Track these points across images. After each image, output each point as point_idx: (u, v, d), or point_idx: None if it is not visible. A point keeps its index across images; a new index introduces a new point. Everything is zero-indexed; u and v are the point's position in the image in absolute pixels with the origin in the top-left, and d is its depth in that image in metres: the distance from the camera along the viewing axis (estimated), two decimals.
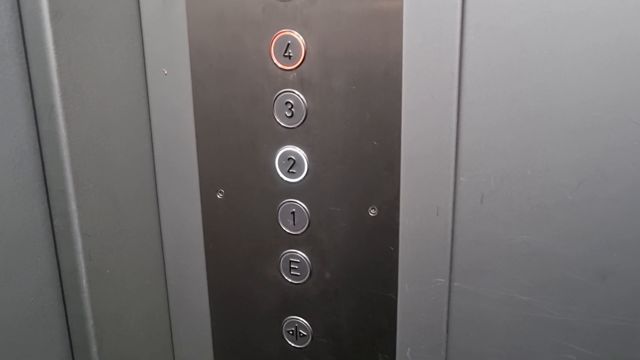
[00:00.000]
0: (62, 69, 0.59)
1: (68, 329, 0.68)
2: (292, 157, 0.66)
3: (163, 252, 0.77)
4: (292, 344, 0.74)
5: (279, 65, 0.63)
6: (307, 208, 0.68)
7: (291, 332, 0.74)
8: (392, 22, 0.58)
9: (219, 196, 0.71)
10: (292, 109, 0.64)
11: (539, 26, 0.54)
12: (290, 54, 0.63)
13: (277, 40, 0.63)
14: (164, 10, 0.67)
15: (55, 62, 0.59)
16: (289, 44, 0.62)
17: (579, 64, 0.54)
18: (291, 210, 0.68)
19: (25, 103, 0.60)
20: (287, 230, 0.69)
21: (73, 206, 0.63)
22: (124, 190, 0.69)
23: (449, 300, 0.65)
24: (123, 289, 0.71)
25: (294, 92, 0.64)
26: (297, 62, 0.63)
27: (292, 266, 0.71)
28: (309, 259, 0.70)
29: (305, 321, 0.73)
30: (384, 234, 0.65)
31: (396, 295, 0.67)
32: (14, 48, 0.58)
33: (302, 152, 0.66)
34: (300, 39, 0.62)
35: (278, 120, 0.65)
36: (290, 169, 0.67)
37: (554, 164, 0.57)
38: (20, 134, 0.60)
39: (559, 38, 0.54)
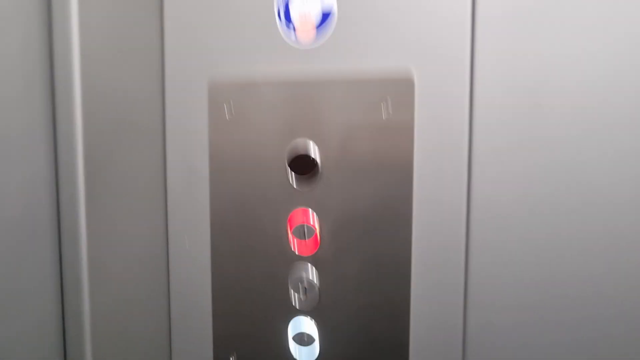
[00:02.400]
0: (91, 240, 0.62)
1: None
2: (305, 338, 0.68)
3: None
4: None
5: (295, 248, 0.67)
6: None
7: None
8: (403, 211, 0.63)
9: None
10: (307, 291, 0.67)
11: (542, 163, 0.59)
12: (306, 235, 0.66)
13: (294, 223, 0.67)
14: (189, 188, 0.71)
15: (85, 239, 0.62)
16: (305, 228, 0.66)
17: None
18: None
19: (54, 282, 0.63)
20: None
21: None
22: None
23: None
24: None
25: (309, 272, 0.67)
26: (313, 245, 0.66)
27: None
28: None
29: None
30: None
31: None
32: (48, 228, 0.62)
33: (315, 331, 0.68)
34: (316, 222, 0.66)
35: (292, 300, 0.68)
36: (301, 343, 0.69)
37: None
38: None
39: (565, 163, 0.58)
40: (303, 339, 0.69)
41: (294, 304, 0.68)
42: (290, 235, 0.67)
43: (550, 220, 0.59)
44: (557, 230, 0.59)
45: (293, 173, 0.66)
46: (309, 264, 0.67)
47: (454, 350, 0.63)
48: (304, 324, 0.68)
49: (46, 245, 0.62)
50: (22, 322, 0.62)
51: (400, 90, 0.62)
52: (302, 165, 0.65)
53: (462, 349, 0.63)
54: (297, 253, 0.67)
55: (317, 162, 0.65)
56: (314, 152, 0.65)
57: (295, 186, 0.66)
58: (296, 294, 0.68)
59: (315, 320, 0.68)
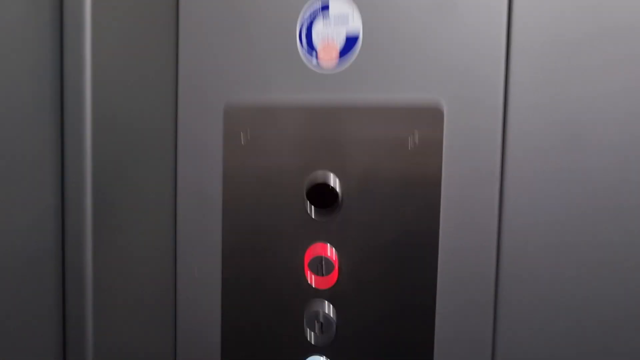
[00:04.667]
0: (98, 278, 0.59)
1: None
2: None
3: None
4: None
5: (312, 282, 0.64)
6: None
7: None
8: (429, 242, 0.59)
9: None
10: (322, 327, 0.64)
11: (576, 168, 0.56)
12: (324, 271, 0.63)
13: (310, 257, 0.63)
14: (202, 216, 0.68)
15: (91, 269, 0.59)
16: (323, 262, 0.63)
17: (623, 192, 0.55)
18: None
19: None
20: None
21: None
22: None
23: None
24: None
25: (325, 309, 0.64)
26: (330, 280, 0.63)
27: None
28: None
29: None
30: None
31: None
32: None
33: None
34: (334, 256, 0.63)
35: (308, 336, 0.65)
36: None
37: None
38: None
39: (599, 169, 0.55)
40: None
41: (309, 339, 0.65)
42: (306, 268, 0.64)
43: (582, 255, 0.56)
44: (589, 259, 0.56)
45: (312, 206, 0.63)
46: (326, 301, 0.64)
47: None
48: None
49: (50, 274, 0.59)
50: (24, 339, 0.59)
51: (429, 120, 0.59)
52: (322, 196, 0.62)
53: None
54: (313, 286, 0.64)
55: (337, 193, 0.62)
56: (334, 183, 0.62)
57: (313, 217, 0.63)
58: (312, 330, 0.64)
59: (331, 359, 0.65)
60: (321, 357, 0.65)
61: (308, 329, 0.65)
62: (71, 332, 0.62)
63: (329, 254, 0.63)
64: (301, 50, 0.63)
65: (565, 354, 0.58)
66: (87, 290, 0.60)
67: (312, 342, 0.65)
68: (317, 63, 0.62)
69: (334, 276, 0.63)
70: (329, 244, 0.63)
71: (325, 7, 0.61)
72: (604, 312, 0.57)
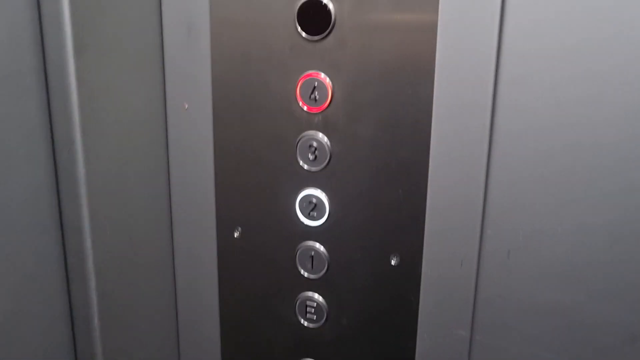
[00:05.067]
0: (84, 105, 0.58)
1: None
2: (314, 200, 0.64)
3: (176, 290, 0.75)
4: None
5: (304, 107, 0.62)
6: (327, 252, 0.66)
7: None
8: (424, 70, 0.57)
9: (236, 235, 0.69)
10: (316, 152, 0.63)
11: (576, 82, 0.52)
12: (317, 96, 0.61)
13: (303, 81, 0.61)
14: (188, 44, 0.65)
15: (76, 97, 0.57)
16: (315, 86, 0.61)
17: (618, 122, 0.52)
18: (310, 254, 0.67)
19: (44, 138, 0.59)
20: (305, 274, 0.68)
21: (88, 244, 0.61)
22: (140, 226, 0.67)
23: (469, 353, 0.64)
24: (135, 326, 0.69)
25: (318, 135, 0.62)
26: (323, 105, 0.61)
27: (308, 310, 0.69)
28: (326, 303, 0.68)
29: None
30: (405, 284, 0.63)
31: (414, 345, 0.65)
32: (36, 83, 0.57)
33: (324, 195, 0.64)
34: (327, 81, 0.60)
35: (301, 162, 0.64)
36: (311, 211, 0.65)
37: (586, 223, 0.56)
38: (38, 170, 0.59)
39: (597, 96, 0.52)
40: (312, 204, 0.65)
41: (301, 165, 0.64)
42: (299, 95, 0.62)
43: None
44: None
45: (303, 28, 0.60)
46: (320, 132, 0.62)
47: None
48: (313, 192, 0.65)
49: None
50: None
51: None
52: (314, 16, 0.59)
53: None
54: (305, 110, 0.62)
55: (330, 12, 0.58)
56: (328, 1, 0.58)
57: (304, 36, 0.60)
58: (304, 161, 0.63)
59: (324, 189, 0.64)
60: (315, 189, 0.64)
61: (301, 160, 0.64)
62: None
63: (322, 78, 0.60)
64: None
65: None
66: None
67: (306, 169, 0.64)
68: None
69: (326, 102, 0.61)
70: (322, 72, 0.61)
71: None
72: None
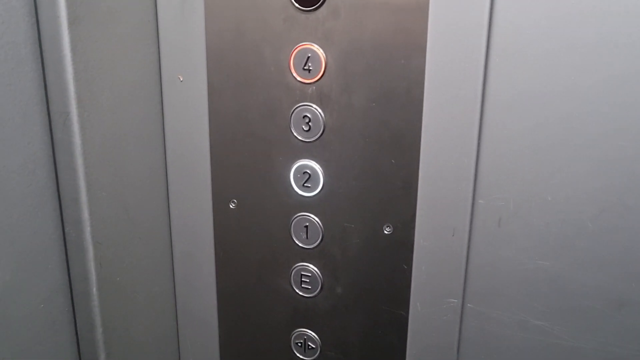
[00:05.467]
0: (79, 75, 0.58)
1: (77, 336, 0.68)
2: (308, 171, 0.65)
3: (173, 261, 0.76)
4: (301, 357, 0.74)
5: (298, 78, 0.62)
6: (321, 223, 0.67)
7: (300, 345, 0.73)
8: (416, 41, 0.57)
9: (231, 206, 0.70)
10: (310, 123, 0.63)
11: (565, 53, 0.53)
12: (310, 67, 0.62)
13: (297, 52, 0.62)
14: (182, 16, 0.66)
15: (71, 68, 0.58)
16: (309, 57, 0.61)
17: (605, 93, 0.53)
18: (304, 224, 0.67)
19: (40, 110, 0.59)
20: (300, 244, 0.69)
21: (85, 214, 0.62)
22: (136, 198, 0.68)
23: (461, 321, 0.65)
24: (132, 297, 0.71)
25: (312, 106, 0.63)
26: (316, 76, 0.62)
27: (303, 279, 0.70)
28: (320, 273, 0.69)
29: (314, 334, 0.72)
30: (398, 253, 0.64)
31: (407, 313, 0.67)
32: (31, 54, 0.57)
33: (318, 166, 0.65)
34: (320, 52, 0.61)
35: (295, 133, 0.64)
36: (305, 182, 0.66)
37: (575, 191, 0.56)
38: (34, 141, 0.59)
39: (586, 66, 0.53)
40: (306, 175, 0.66)
41: (295, 135, 0.64)
42: (292, 66, 0.62)
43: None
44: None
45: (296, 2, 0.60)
46: (313, 104, 0.63)
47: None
48: (307, 163, 0.65)
49: None
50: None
51: None
52: None
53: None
54: (298, 79, 0.62)
55: None
56: None
57: (297, 7, 0.60)
58: (298, 133, 0.64)
59: (318, 160, 0.65)
60: (309, 161, 0.65)
61: (295, 131, 0.64)
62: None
63: (315, 49, 0.61)
64: None
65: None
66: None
67: (301, 140, 0.65)
68: None
69: (319, 73, 0.61)
70: (315, 43, 0.61)
71: None
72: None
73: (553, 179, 0.57)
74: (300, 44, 0.61)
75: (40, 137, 0.60)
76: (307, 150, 0.65)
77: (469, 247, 0.62)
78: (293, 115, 0.64)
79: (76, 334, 0.68)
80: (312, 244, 0.68)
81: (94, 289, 0.65)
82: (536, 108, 0.55)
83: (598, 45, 0.52)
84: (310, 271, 0.69)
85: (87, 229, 0.63)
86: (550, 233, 0.58)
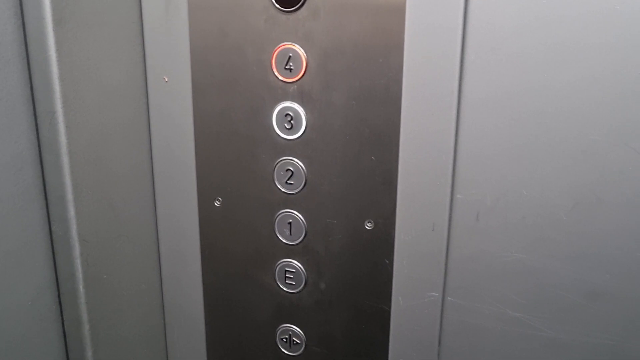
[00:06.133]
0: (64, 76, 0.59)
1: (64, 333, 0.69)
2: (291, 168, 0.66)
3: (160, 258, 0.77)
4: (286, 352, 0.75)
5: (280, 77, 0.64)
6: (304, 219, 0.68)
7: (285, 340, 0.74)
8: (394, 38, 0.59)
9: (216, 204, 0.72)
10: (292, 121, 0.65)
11: (539, 51, 0.55)
12: (291, 67, 0.63)
13: (278, 52, 0.63)
14: (167, 18, 0.67)
15: (57, 69, 0.59)
16: (290, 57, 0.63)
17: (578, 89, 0.54)
18: (288, 221, 0.69)
19: (26, 109, 0.60)
20: (284, 240, 0.70)
21: (72, 212, 0.63)
22: (123, 196, 0.69)
23: (442, 314, 0.66)
24: (119, 294, 0.72)
25: (293, 105, 0.64)
26: (297, 75, 0.63)
27: (287, 275, 0.71)
28: (304, 269, 0.70)
29: (299, 330, 0.73)
30: (380, 248, 0.66)
31: (390, 308, 0.68)
32: (17, 54, 0.59)
33: (301, 163, 0.66)
34: (301, 52, 0.62)
35: (277, 131, 0.66)
36: (288, 180, 0.67)
37: (549, 185, 0.58)
38: (20, 140, 0.60)
39: (560, 63, 0.54)
40: (289, 172, 0.67)
41: (278, 133, 0.66)
42: (274, 65, 0.64)
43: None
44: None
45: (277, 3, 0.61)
46: (295, 103, 0.64)
47: None
48: (290, 160, 0.67)
49: None
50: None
51: None
52: None
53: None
54: (280, 78, 0.64)
55: None
56: None
57: (278, 8, 0.61)
58: (281, 129, 0.65)
59: (300, 157, 0.66)
60: (292, 158, 0.66)
61: (277, 129, 0.66)
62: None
63: (296, 49, 0.62)
64: None
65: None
66: None
67: (283, 138, 0.66)
68: None
69: (300, 72, 0.63)
70: (296, 43, 0.62)
71: None
72: None
73: (528, 174, 0.58)
74: (282, 44, 0.63)
75: (26, 136, 0.61)
76: (289, 148, 0.66)
77: (448, 241, 0.63)
78: (275, 113, 0.65)
79: (63, 331, 0.68)
80: (296, 240, 0.69)
81: (81, 287, 0.66)
82: (511, 105, 0.57)
83: (571, 43, 0.54)
84: (294, 267, 0.70)
85: (74, 227, 0.64)
86: (526, 226, 0.60)
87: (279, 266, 0.71)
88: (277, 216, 0.69)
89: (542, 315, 0.62)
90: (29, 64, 0.60)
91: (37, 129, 0.61)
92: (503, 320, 0.64)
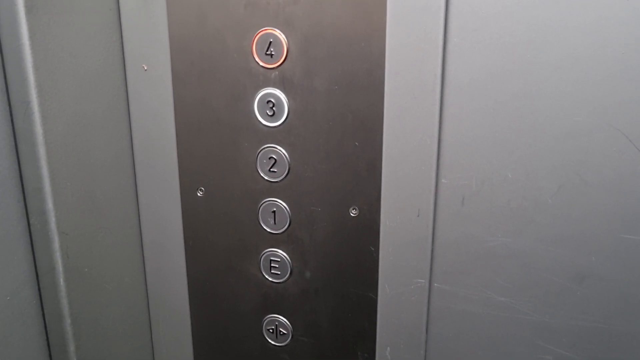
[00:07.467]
0: (38, 65, 0.58)
1: (45, 328, 0.67)
2: (274, 156, 0.65)
3: (142, 250, 0.76)
4: (272, 342, 0.74)
5: (261, 63, 0.63)
6: (288, 207, 0.67)
7: (271, 331, 0.74)
8: (376, 23, 0.58)
9: (199, 194, 0.70)
10: (274, 108, 0.64)
11: (522, 31, 0.54)
12: (272, 52, 0.62)
13: (258, 38, 0.62)
14: (144, 4, 0.65)
15: (31, 58, 0.57)
16: (270, 42, 0.62)
17: (561, 70, 0.54)
18: (272, 210, 0.68)
19: (0, 100, 0.59)
20: (268, 230, 0.69)
21: (50, 204, 0.62)
22: (103, 187, 0.68)
23: (428, 300, 0.66)
24: (102, 287, 0.70)
25: (275, 91, 0.63)
26: (279, 61, 0.62)
27: (272, 265, 0.70)
28: (289, 258, 0.69)
29: (285, 320, 0.73)
30: (365, 235, 0.65)
31: (376, 295, 0.67)
32: None
33: (284, 151, 0.65)
34: (282, 37, 0.61)
35: (259, 119, 0.65)
36: (271, 168, 0.66)
37: (534, 168, 0.58)
38: None
39: (542, 44, 0.54)
40: (272, 160, 0.66)
41: (260, 121, 0.65)
42: (254, 50, 0.62)
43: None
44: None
45: None
46: (277, 89, 0.63)
47: None
48: (273, 148, 0.66)
49: None
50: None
51: None
52: None
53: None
54: (261, 64, 0.63)
55: None
56: None
57: None
58: (263, 117, 0.64)
59: (283, 145, 0.65)
60: (275, 145, 0.65)
61: (259, 116, 0.65)
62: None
63: (277, 34, 0.61)
64: None
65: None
66: None
67: (265, 125, 0.65)
68: None
69: (282, 58, 0.62)
70: (277, 28, 0.61)
71: None
72: None
73: (512, 157, 0.58)
74: (262, 29, 0.62)
75: (1, 127, 0.59)
76: (272, 135, 0.65)
77: (434, 226, 0.63)
78: (257, 100, 0.64)
79: (45, 325, 0.67)
80: (280, 229, 0.68)
81: (61, 280, 0.65)
82: (495, 87, 0.56)
83: (553, 23, 0.53)
84: (279, 256, 0.70)
85: (52, 220, 0.62)
86: (511, 210, 0.60)
87: (264, 256, 0.70)
88: (261, 205, 0.68)
89: (529, 299, 0.62)
90: (1, 53, 0.58)
91: (12, 120, 0.60)
92: (490, 305, 0.64)
